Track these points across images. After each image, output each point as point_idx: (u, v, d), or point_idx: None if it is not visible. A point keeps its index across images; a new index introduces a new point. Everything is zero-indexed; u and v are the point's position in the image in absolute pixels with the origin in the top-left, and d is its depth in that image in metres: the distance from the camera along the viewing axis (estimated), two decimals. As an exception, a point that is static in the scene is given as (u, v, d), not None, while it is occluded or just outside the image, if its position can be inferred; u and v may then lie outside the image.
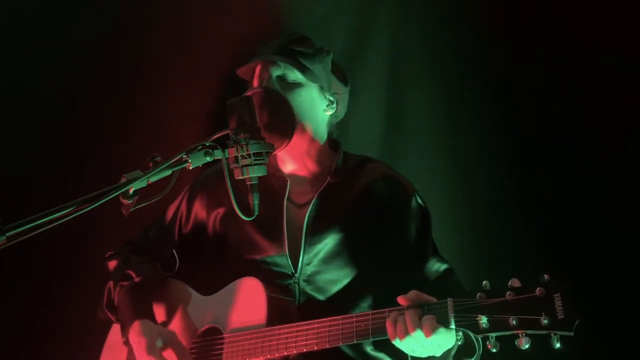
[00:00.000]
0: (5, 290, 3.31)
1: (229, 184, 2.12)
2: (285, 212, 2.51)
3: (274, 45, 2.51)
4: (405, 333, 2.06)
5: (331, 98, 2.57)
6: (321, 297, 2.45)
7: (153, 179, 2.00)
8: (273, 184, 2.54)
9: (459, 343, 2.09)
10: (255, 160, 2.12)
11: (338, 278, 2.46)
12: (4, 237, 1.74)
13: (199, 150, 2.07)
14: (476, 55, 3.32)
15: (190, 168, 2.07)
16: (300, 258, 2.46)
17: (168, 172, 2.04)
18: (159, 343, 2.34)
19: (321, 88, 2.54)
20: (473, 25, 3.34)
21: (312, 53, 2.50)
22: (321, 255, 2.47)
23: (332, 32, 2.64)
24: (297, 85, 2.48)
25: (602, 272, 2.97)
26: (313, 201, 2.50)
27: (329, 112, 2.58)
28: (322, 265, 2.46)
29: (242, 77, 2.61)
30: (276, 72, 2.48)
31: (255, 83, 2.51)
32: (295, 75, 2.48)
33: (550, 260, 3.04)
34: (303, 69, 2.47)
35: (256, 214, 2.15)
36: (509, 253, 3.17)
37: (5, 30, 3.41)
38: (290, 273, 2.47)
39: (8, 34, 3.41)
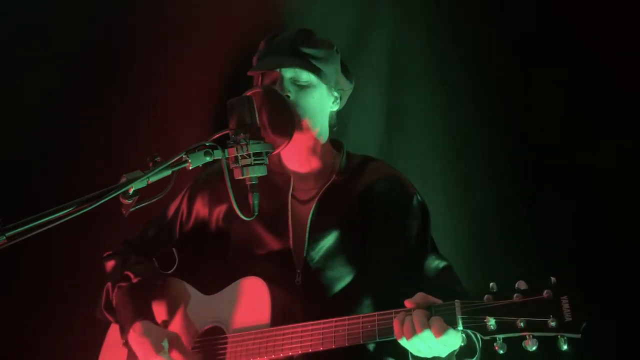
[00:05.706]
0: (2, 289, 3.30)
1: (229, 184, 2.12)
2: (290, 207, 2.52)
3: (283, 45, 2.51)
4: (413, 333, 2.07)
5: (336, 94, 2.60)
6: (325, 295, 2.45)
7: (153, 179, 2.01)
8: (276, 180, 2.56)
9: (462, 344, 2.10)
10: (255, 160, 2.12)
11: (341, 275, 2.47)
12: (4, 237, 1.74)
13: (199, 150, 2.08)
14: (476, 54, 3.32)
15: (190, 168, 2.07)
16: (304, 254, 2.47)
17: (168, 172, 2.04)
18: (165, 344, 2.33)
19: (329, 87, 2.56)
20: (473, 24, 3.34)
21: (323, 56, 2.51)
22: (324, 251, 2.47)
23: (332, 31, 2.65)
24: (309, 86, 2.49)
25: (609, 273, 2.96)
26: (317, 198, 2.52)
27: (335, 108, 2.62)
28: (325, 262, 2.47)
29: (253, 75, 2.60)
30: (288, 74, 2.49)
31: (267, 82, 2.51)
32: (307, 76, 2.49)
33: (552, 261, 3.03)
34: (319, 74, 2.49)
35: (256, 214, 2.16)
36: (509, 254, 3.17)
37: (3, 28, 3.41)
38: (293, 270, 2.47)
39: (6, 31, 3.41)
